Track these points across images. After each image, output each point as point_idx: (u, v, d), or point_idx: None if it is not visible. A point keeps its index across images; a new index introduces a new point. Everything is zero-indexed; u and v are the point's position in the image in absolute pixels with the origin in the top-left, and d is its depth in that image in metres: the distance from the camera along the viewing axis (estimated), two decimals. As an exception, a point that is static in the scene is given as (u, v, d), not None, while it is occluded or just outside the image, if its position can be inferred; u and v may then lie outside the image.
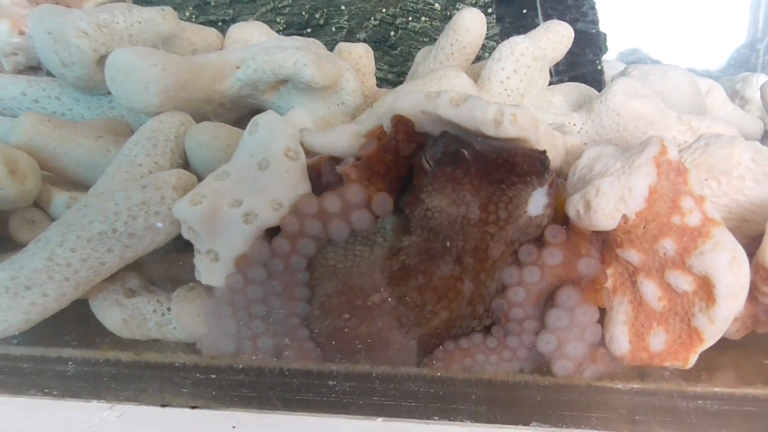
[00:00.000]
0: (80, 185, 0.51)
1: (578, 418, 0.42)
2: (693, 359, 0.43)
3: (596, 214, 0.39)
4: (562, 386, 0.43)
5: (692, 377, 0.44)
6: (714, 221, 0.41)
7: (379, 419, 0.43)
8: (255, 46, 0.54)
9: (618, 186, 0.39)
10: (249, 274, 0.42)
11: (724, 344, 0.47)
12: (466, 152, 0.40)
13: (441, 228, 0.41)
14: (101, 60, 0.52)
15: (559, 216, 0.42)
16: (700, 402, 0.42)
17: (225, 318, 0.43)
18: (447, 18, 0.75)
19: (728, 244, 0.40)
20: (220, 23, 0.83)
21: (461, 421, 0.43)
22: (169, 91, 0.48)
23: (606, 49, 0.97)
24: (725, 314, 0.41)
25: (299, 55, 0.49)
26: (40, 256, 0.43)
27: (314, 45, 0.53)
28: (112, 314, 0.45)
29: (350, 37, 0.76)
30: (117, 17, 0.52)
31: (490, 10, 0.75)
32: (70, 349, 0.45)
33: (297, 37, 0.55)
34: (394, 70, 0.75)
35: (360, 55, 0.58)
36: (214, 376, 0.44)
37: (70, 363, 0.45)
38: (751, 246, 0.43)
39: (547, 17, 0.93)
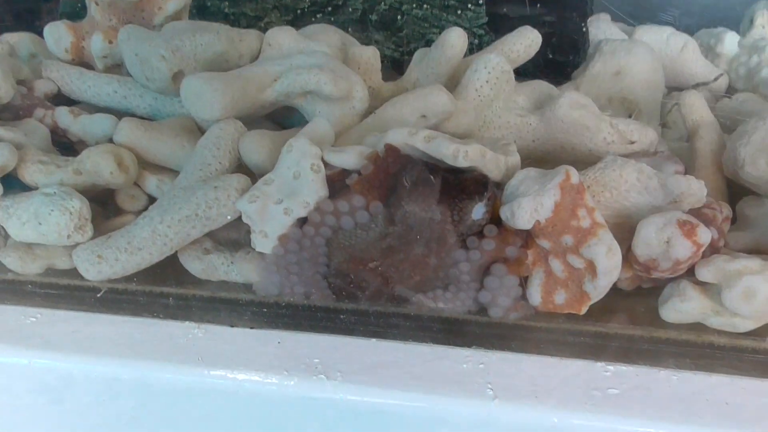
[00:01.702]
0: (165, 170, 0.71)
1: (503, 343, 0.64)
2: (584, 309, 0.64)
3: (518, 220, 0.59)
4: (494, 323, 0.65)
5: (584, 319, 0.65)
6: (600, 224, 0.60)
7: (373, 339, 0.66)
8: (288, 60, 0.71)
9: (533, 203, 0.58)
10: (287, 247, 0.63)
11: (619, 293, 0.68)
12: (432, 177, 0.59)
13: (415, 224, 0.61)
14: (175, 76, 0.70)
15: (498, 216, 0.61)
16: (582, 338, 0.64)
17: (271, 273, 0.65)
18: (444, 6, 0.89)
19: (607, 240, 0.59)
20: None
21: (426, 342, 0.65)
22: (227, 107, 0.66)
23: (592, 12, 1.09)
24: (603, 284, 0.61)
25: (321, 75, 0.67)
26: (147, 229, 0.64)
27: (332, 61, 0.70)
28: (194, 265, 0.67)
29: (363, 17, 0.91)
30: (185, 42, 0.69)
31: (480, 1, 0.89)
32: (168, 287, 0.68)
33: (321, 47, 0.72)
34: (399, 50, 0.90)
35: (369, 57, 0.75)
36: (265, 310, 0.67)
37: (170, 297, 0.68)
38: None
39: (538, -13, 1.05)
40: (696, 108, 0.74)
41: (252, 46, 0.75)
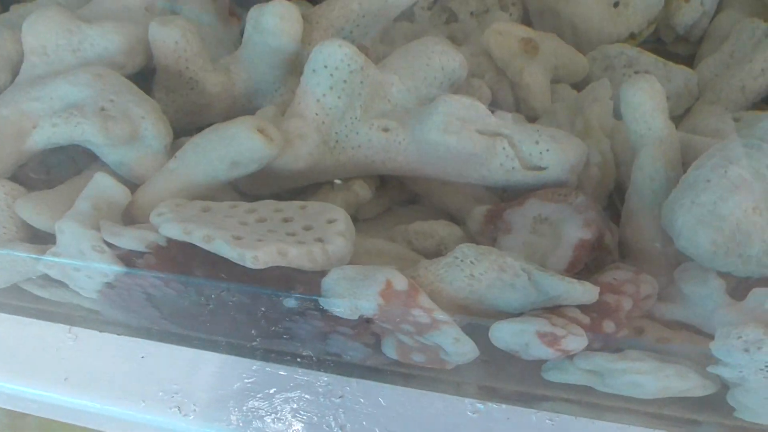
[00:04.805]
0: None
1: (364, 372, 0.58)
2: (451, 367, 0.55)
3: (338, 314, 0.48)
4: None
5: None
6: (443, 321, 0.47)
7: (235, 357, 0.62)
8: (48, 87, 0.51)
9: (350, 306, 0.46)
10: (110, 298, 0.57)
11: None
12: (223, 275, 0.47)
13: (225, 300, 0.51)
14: None
15: (321, 298, 0.49)
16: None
17: (109, 311, 0.60)
18: None
19: (452, 333, 0.47)
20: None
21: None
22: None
23: None
24: (460, 361, 0.51)
25: (85, 126, 0.48)
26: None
27: (105, 91, 0.50)
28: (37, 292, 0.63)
29: None
30: None
31: None
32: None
33: (86, 75, 0.51)
34: None
35: (176, 41, 0.52)
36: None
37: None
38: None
39: None
40: (647, 116, 0.45)
41: (8, 51, 0.54)
